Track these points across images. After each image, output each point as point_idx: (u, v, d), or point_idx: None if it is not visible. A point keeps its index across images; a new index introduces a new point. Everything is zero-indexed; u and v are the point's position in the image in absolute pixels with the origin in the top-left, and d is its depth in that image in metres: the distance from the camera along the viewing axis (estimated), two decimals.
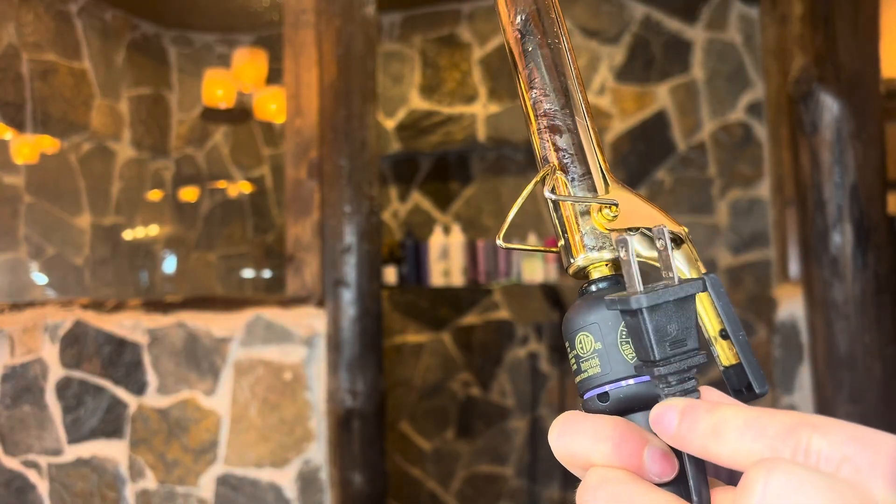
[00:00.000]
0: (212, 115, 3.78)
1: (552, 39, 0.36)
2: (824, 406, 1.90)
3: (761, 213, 3.23)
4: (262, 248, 4.12)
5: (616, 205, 0.33)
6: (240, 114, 3.76)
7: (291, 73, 2.03)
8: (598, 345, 0.30)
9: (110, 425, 2.12)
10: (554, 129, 0.34)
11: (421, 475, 3.76)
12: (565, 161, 0.34)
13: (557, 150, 0.34)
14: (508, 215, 0.33)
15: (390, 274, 3.50)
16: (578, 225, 0.33)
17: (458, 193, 3.79)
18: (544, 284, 3.36)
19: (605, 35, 3.47)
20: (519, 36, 0.36)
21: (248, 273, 4.18)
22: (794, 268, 2.52)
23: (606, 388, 0.30)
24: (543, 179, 0.34)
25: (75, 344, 2.16)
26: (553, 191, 0.34)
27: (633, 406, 0.30)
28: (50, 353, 2.19)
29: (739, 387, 0.31)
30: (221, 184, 4.16)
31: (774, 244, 3.08)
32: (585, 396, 0.31)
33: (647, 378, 0.29)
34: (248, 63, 3.58)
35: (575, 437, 0.29)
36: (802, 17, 1.88)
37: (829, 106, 1.81)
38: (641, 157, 3.40)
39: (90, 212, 3.60)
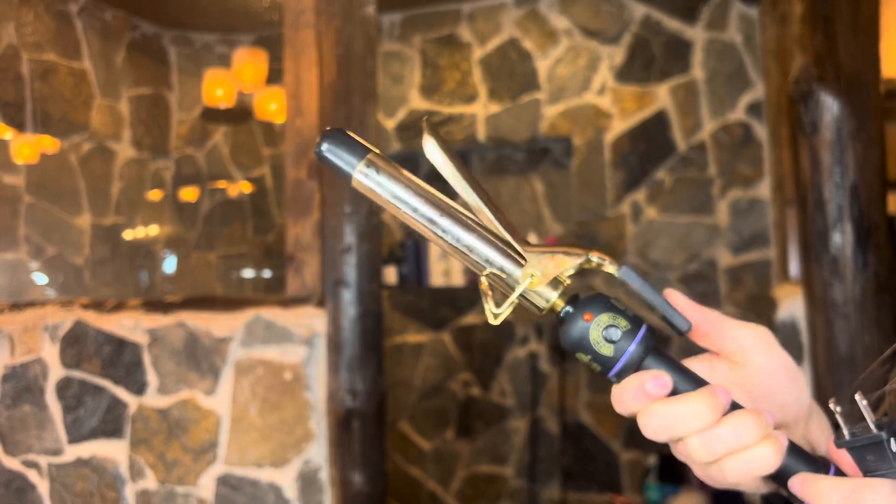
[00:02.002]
0: (212, 115, 3.78)
1: (418, 197, 0.47)
2: (824, 406, 1.90)
3: (761, 213, 3.23)
4: (262, 248, 4.12)
5: (534, 274, 0.46)
6: (240, 114, 3.75)
7: (291, 73, 2.03)
8: (588, 357, 0.46)
9: (110, 425, 2.12)
10: (470, 250, 0.47)
11: (421, 475, 3.76)
12: (490, 262, 0.46)
13: (485, 260, 0.46)
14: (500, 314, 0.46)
15: (390, 274, 3.50)
16: (531, 300, 0.47)
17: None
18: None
19: (605, 35, 3.47)
20: (405, 215, 0.47)
21: (248, 273, 4.18)
22: (794, 268, 2.52)
23: (610, 374, 0.46)
24: (492, 287, 0.47)
25: (75, 344, 2.16)
26: (494, 299, 0.46)
27: (633, 369, 0.45)
28: (50, 353, 2.19)
29: (672, 331, 0.46)
30: (221, 184, 4.16)
31: (774, 244, 3.08)
32: (609, 377, 0.46)
33: (627, 354, 0.45)
34: (248, 63, 3.58)
35: (628, 408, 0.46)
36: (802, 17, 1.88)
37: (829, 106, 1.81)
38: (641, 157, 3.40)
39: (90, 212, 3.60)
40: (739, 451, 0.44)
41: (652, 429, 0.45)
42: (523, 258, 0.46)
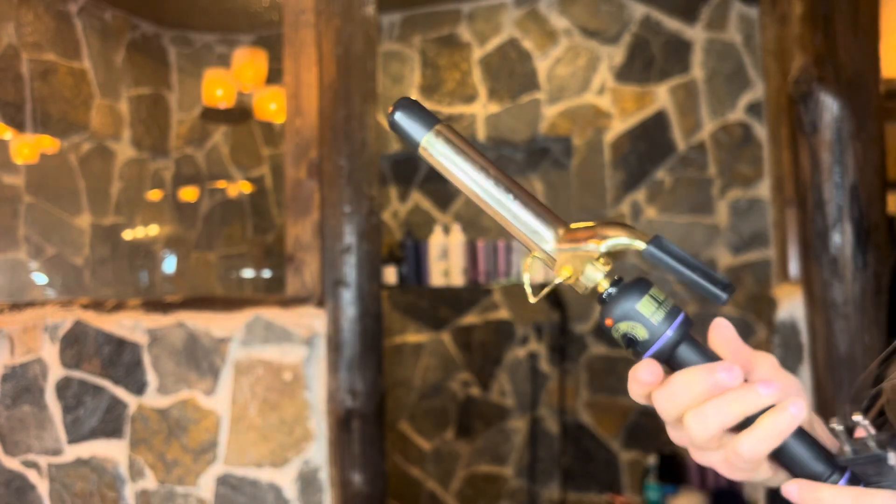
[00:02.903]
0: (212, 115, 3.78)
1: (479, 162, 0.49)
2: (824, 406, 1.90)
3: (761, 213, 3.23)
4: (262, 248, 4.12)
5: (570, 272, 0.48)
6: (240, 114, 3.75)
7: (291, 73, 2.03)
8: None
9: (110, 425, 2.12)
10: (522, 228, 0.48)
11: (421, 475, 3.76)
12: (540, 243, 0.48)
13: (535, 240, 0.48)
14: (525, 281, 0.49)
15: (390, 274, 3.50)
16: (577, 278, 0.48)
17: (458, 193, 3.79)
18: (544, 285, 3.36)
19: (605, 35, 3.47)
20: (465, 186, 0.49)
21: (248, 273, 4.18)
22: (793, 268, 2.52)
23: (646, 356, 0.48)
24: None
25: (75, 344, 2.16)
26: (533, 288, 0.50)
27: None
28: (50, 353, 2.19)
29: (709, 300, 0.46)
30: (221, 184, 4.16)
31: (774, 244, 3.08)
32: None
33: (645, 357, 0.47)
34: (248, 63, 3.58)
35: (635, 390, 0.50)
36: (802, 17, 1.88)
37: (829, 106, 1.81)
38: (641, 157, 3.40)
39: (90, 212, 3.59)
40: (752, 428, 0.45)
41: (662, 410, 0.47)
42: (562, 247, 0.48)
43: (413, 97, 0.50)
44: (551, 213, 0.48)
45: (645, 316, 0.45)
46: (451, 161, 0.48)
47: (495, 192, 0.48)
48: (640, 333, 0.45)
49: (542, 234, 0.48)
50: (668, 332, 0.45)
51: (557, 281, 0.48)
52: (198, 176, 4.15)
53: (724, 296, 0.45)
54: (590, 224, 0.48)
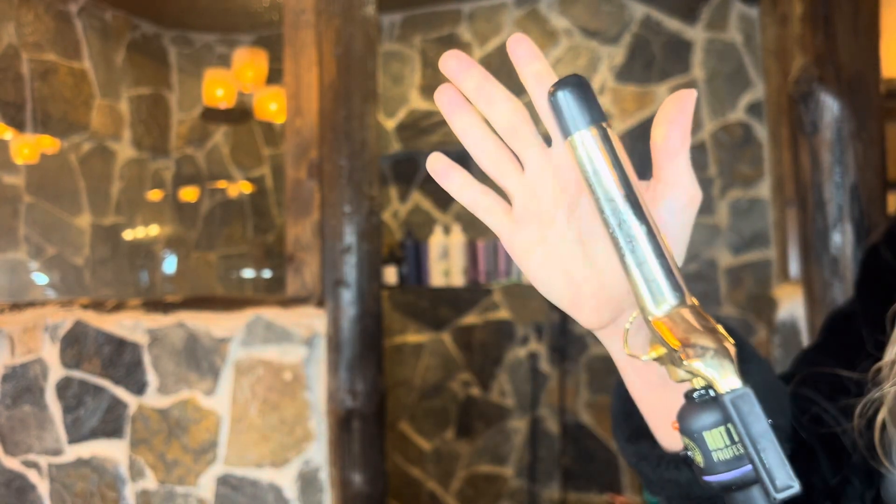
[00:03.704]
0: (212, 115, 3.78)
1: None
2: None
3: (761, 212, 3.23)
4: (262, 248, 4.12)
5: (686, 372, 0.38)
6: (240, 114, 3.75)
7: (291, 73, 2.03)
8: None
9: (110, 425, 2.12)
10: (645, 280, 0.41)
11: (421, 475, 3.76)
12: (656, 307, 0.40)
13: (652, 303, 0.40)
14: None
15: (390, 274, 3.50)
16: (667, 365, 0.40)
17: None
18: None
19: (605, 35, 3.46)
20: (600, 202, 0.43)
21: (248, 273, 4.18)
22: (794, 268, 2.52)
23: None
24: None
25: (75, 344, 2.16)
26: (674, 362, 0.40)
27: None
28: (50, 353, 2.19)
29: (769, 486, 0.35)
30: (221, 184, 4.16)
31: (775, 244, 3.08)
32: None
33: (706, 478, 0.38)
34: (248, 63, 3.58)
35: None
36: (802, 17, 1.88)
37: (830, 106, 1.81)
38: (642, 158, 3.38)
39: (90, 212, 3.59)
40: None
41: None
42: (667, 322, 0.40)
43: (580, 77, 0.42)
44: (680, 279, 0.40)
45: (709, 447, 0.37)
46: (594, 167, 0.42)
47: (635, 223, 0.41)
48: (698, 459, 0.38)
49: (657, 294, 0.40)
50: (725, 475, 0.37)
51: (645, 358, 0.40)
52: (198, 176, 4.15)
53: (794, 485, 0.35)
54: (707, 321, 0.38)
